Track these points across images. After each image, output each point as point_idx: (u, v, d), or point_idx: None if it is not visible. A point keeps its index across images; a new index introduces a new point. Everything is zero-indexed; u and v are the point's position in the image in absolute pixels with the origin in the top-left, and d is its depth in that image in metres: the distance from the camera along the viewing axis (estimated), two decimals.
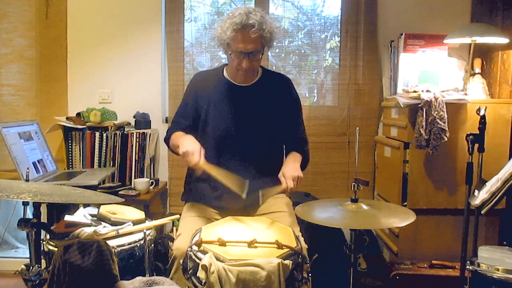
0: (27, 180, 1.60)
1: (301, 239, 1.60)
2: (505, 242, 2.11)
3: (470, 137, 1.89)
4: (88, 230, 1.60)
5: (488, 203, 1.63)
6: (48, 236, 1.63)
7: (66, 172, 2.53)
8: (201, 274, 1.30)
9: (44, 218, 2.34)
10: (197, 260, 1.36)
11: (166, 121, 2.90)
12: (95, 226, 1.67)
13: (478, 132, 1.89)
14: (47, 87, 2.85)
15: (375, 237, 2.78)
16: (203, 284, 1.29)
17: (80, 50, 2.89)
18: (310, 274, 1.44)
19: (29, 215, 1.51)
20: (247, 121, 1.87)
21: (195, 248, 1.41)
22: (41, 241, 1.62)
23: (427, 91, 2.28)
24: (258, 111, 1.88)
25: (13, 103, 2.83)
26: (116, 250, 1.57)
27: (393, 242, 2.45)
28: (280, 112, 1.91)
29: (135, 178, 2.68)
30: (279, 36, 2.89)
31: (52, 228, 1.67)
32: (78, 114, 2.72)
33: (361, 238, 2.64)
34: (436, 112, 2.19)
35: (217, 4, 2.99)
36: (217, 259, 1.32)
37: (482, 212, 1.66)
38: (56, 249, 1.53)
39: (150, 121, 2.82)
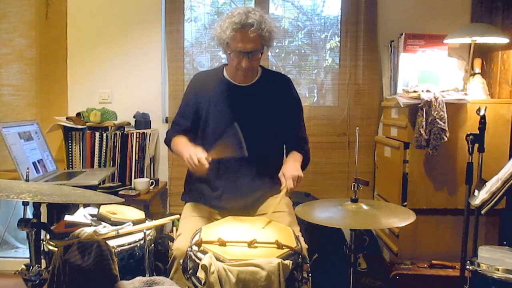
0: (27, 180, 1.60)
1: (301, 239, 1.60)
2: (505, 242, 2.11)
3: (470, 137, 1.89)
4: (88, 230, 1.60)
5: (488, 203, 1.63)
6: (48, 236, 1.63)
7: (66, 172, 2.53)
8: (201, 274, 1.30)
9: (44, 218, 2.34)
10: (197, 260, 1.36)
11: (166, 121, 2.90)
12: (95, 226, 1.67)
13: (478, 132, 1.89)
14: (47, 87, 2.84)
15: (375, 237, 2.78)
16: (203, 284, 1.29)
17: (80, 50, 2.89)
18: (310, 274, 1.44)
19: (29, 215, 1.51)
20: (247, 121, 1.86)
21: (195, 248, 1.41)
22: (41, 241, 1.62)
23: (427, 91, 2.28)
24: (258, 111, 1.88)
25: (13, 103, 2.82)
26: (116, 250, 1.57)
27: (393, 242, 2.45)
28: (280, 111, 1.91)
29: (135, 178, 2.68)
30: (279, 36, 2.91)
31: (52, 228, 1.67)
32: (78, 114, 2.72)
33: (361, 238, 2.64)
34: (436, 112, 2.19)
35: (217, 4, 2.99)
36: (217, 259, 1.32)
37: (482, 212, 1.66)
38: (56, 249, 1.53)
39: (150, 121, 2.83)
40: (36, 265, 1.30)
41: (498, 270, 1.50)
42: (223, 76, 1.93)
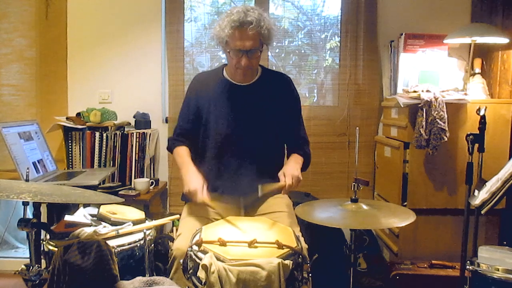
0: (27, 180, 1.60)
1: (301, 239, 1.60)
2: (505, 242, 2.11)
3: (470, 137, 1.89)
4: (88, 230, 1.60)
5: (488, 203, 1.63)
6: (48, 236, 1.63)
7: (66, 172, 2.53)
8: (201, 274, 1.29)
9: (44, 218, 2.34)
10: (197, 260, 1.36)
11: (166, 121, 2.90)
12: (95, 226, 1.67)
13: (478, 132, 1.89)
14: (47, 87, 2.84)
15: (375, 237, 2.78)
16: (203, 284, 1.29)
17: (80, 50, 2.89)
18: (310, 274, 1.44)
19: (29, 215, 1.51)
20: (247, 120, 1.87)
21: (195, 248, 1.41)
22: (41, 241, 1.62)
23: (427, 91, 2.28)
24: (258, 110, 1.88)
25: (13, 103, 2.82)
26: (116, 250, 1.57)
27: (393, 242, 2.45)
28: (280, 111, 1.91)
29: (135, 178, 2.67)
30: (279, 36, 2.92)
31: (52, 228, 1.67)
32: (78, 114, 2.72)
33: (361, 238, 2.64)
34: (436, 112, 2.19)
35: (217, 4, 2.99)
36: (218, 259, 1.32)
37: (482, 212, 1.66)
38: (56, 249, 1.53)
39: (150, 121, 2.82)
40: (36, 265, 1.30)
41: (498, 270, 1.50)
42: (223, 76, 1.93)
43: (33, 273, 1.28)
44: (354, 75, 2.89)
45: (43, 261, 1.55)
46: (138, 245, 1.67)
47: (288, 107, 1.93)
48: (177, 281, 1.57)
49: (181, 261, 1.46)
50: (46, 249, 1.60)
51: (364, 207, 1.60)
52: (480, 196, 1.68)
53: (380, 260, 2.67)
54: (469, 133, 1.90)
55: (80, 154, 2.69)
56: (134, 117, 2.80)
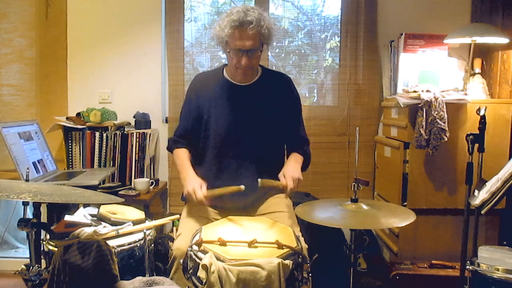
0: (27, 180, 1.60)
1: (301, 239, 1.60)
2: (505, 242, 2.11)
3: (470, 137, 1.89)
4: (88, 230, 1.60)
5: (488, 203, 1.63)
6: (48, 236, 1.63)
7: (66, 172, 2.53)
8: (201, 273, 1.30)
9: (44, 218, 2.34)
10: (198, 260, 1.36)
11: (166, 121, 2.90)
12: (95, 226, 1.67)
13: (478, 132, 1.89)
14: (47, 87, 2.84)
15: (375, 237, 2.78)
16: (203, 284, 1.29)
17: (80, 50, 2.89)
18: (310, 274, 1.44)
19: (29, 215, 1.51)
20: (247, 120, 1.87)
21: (195, 248, 1.41)
22: (41, 241, 1.62)
23: (427, 91, 2.28)
24: (258, 110, 1.88)
25: (13, 103, 2.82)
26: (116, 250, 1.57)
27: (393, 242, 2.45)
28: (280, 111, 1.91)
29: (135, 178, 2.67)
30: (279, 36, 2.92)
31: (52, 228, 1.67)
32: (78, 114, 2.72)
33: (361, 238, 2.64)
34: (436, 112, 2.19)
35: (217, 4, 2.99)
36: (218, 259, 1.32)
37: (482, 212, 1.66)
38: (56, 249, 1.53)
39: (150, 121, 2.82)
40: (36, 265, 1.30)
41: (498, 270, 1.50)
42: (223, 76, 1.93)
43: (33, 273, 1.28)
44: (354, 75, 2.89)
45: (43, 261, 1.55)
46: (138, 245, 1.67)
47: (288, 107, 1.93)
48: (177, 281, 1.57)
49: (181, 261, 1.46)
50: (46, 249, 1.60)
51: (364, 207, 1.60)
52: (480, 196, 1.68)
53: (380, 260, 2.67)
54: (469, 133, 1.90)
55: (80, 154, 2.69)
56: (134, 117, 2.80)
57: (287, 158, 1.93)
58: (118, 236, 1.67)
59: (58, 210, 2.35)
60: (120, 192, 2.48)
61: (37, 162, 2.33)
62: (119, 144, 2.68)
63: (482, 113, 1.89)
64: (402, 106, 2.29)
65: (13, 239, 3.10)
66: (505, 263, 1.51)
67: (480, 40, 2.36)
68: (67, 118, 2.69)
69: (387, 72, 2.82)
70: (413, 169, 2.32)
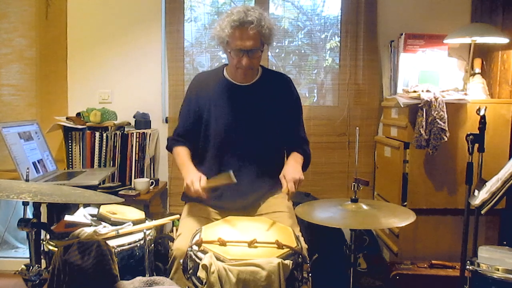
0: (27, 180, 1.60)
1: (301, 239, 1.60)
2: (505, 242, 2.11)
3: (470, 137, 1.89)
4: (88, 230, 1.60)
5: (488, 203, 1.63)
6: (48, 236, 1.63)
7: (66, 172, 2.53)
8: (201, 274, 1.30)
9: (44, 218, 2.34)
10: (197, 260, 1.36)
11: (166, 121, 2.90)
12: (95, 226, 1.67)
13: (478, 132, 1.89)
14: (47, 87, 2.84)
15: (375, 237, 2.78)
16: (203, 284, 1.29)
17: (80, 50, 2.89)
18: (310, 274, 1.44)
19: (29, 215, 1.51)
20: (247, 120, 1.87)
21: (195, 248, 1.41)
22: (41, 241, 1.62)
23: (427, 91, 2.28)
24: (258, 110, 1.88)
25: (13, 103, 2.82)
26: (116, 250, 1.57)
27: (393, 242, 2.45)
28: (280, 111, 1.90)
29: (135, 178, 2.67)
30: (279, 36, 2.92)
31: (52, 228, 1.67)
32: (78, 114, 2.72)
33: (361, 238, 2.64)
34: (436, 112, 2.19)
35: (217, 4, 2.99)
36: (218, 259, 1.32)
37: (482, 212, 1.66)
38: (56, 249, 1.53)
39: (150, 121, 2.83)
40: (36, 265, 1.30)
41: (498, 270, 1.50)
42: (224, 76, 1.93)
43: (33, 273, 1.28)
44: (354, 75, 2.89)
45: (43, 261, 1.55)
46: (138, 245, 1.67)
47: (289, 107, 1.93)
48: (177, 281, 1.57)
49: (181, 261, 1.46)
50: (46, 249, 1.60)
51: (364, 207, 1.60)
52: (480, 196, 1.68)
53: (380, 260, 2.67)
54: (469, 133, 1.90)
55: (80, 154, 2.69)
56: (134, 117, 2.80)
57: (287, 158, 1.93)
58: (118, 236, 1.67)
59: (58, 210, 2.34)
60: (120, 192, 2.48)
61: (37, 162, 2.33)
62: (119, 144, 2.68)
63: (482, 113, 1.89)
64: (402, 106, 2.29)
65: (13, 239, 3.10)
66: (505, 263, 1.51)
67: (480, 40, 2.36)
68: (67, 118, 2.69)
69: (387, 72, 2.82)
70: (413, 169, 2.32)
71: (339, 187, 2.92)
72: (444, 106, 2.21)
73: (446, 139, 2.20)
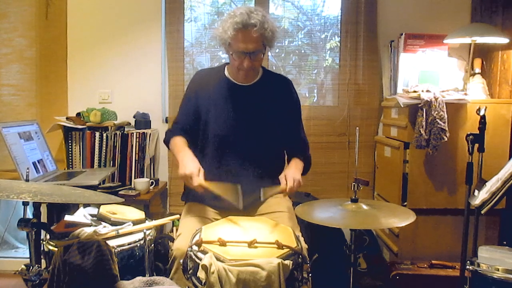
0: (27, 180, 1.60)
1: (301, 239, 1.60)
2: (505, 242, 2.11)
3: (470, 137, 1.89)
4: (88, 230, 1.60)
5: (488, 203, 1.63)
6: (48, 236, 1.63)
7: (66, 172, 2.53)
8: (201, 274, 1.29)
9: (44, 218, 2.34)
10: (197, 260, 1.36)
11: (166, 121, 2.90)
12: (95, 226, 1.67)
13: (478, 132, 1.89)
14: (47, 87, 2.85)
15: (375, 237, 2.78)
16: (203, 284, 1.29)
17: (80, 50, 2.89)
18: (310, 274, 1.44)
19: (29, 215, 1.51)
20: (247, 120, 1.87)
21: (195, 248, 1.41)
22: (41, 241, 1.62)
23: (427, 91, 2.28)
24: (258, 111, 1.88)
25: (13, 103, 2.83)
26: (116, 250, 1.57)
27: (393, 242, 2.45)
28: (280, 112, 1.91)
29: (135, 178, 2.67)
30: (279, 36, 2.91)
31: (52, 228, 1.67)
32: (78, 114, 2.72)
33: (361, 238, 2.64)
34: (436, 112, 2.19)
35: (217, 4, 2.99)
36: (217, 259, 1.32)
37: (482, 212, 1.66)
38: (56, 249, 1.53)
39: (150, 121, 2.83)
40: (36, 265, 1.30)
41: (498, 270, 1.49)
42: (225, 75, 1.93)
43: (33, 273, 1.28)
44: (354, 75, 2.89)
45: (43, 261, 1.55)
46: (138, 245, 1.67)
47: (288, 109, 1.93)
48: (177, 281, 1.57)
49: (181, 261, 1.46)
50: (46, 249, 1.60)
51: (364, 207, 1.60)
52: (480, 196, 1.68)
53: (380, 260, 2.67)
54: (469, 133, 1.90)
55: (80, 154, 2.69)
56: (134, 117, 2.80)
57: (287, 163, 1.93)
58: (118, 236, 1.67)
59: (58, 210, 2.35)
60: (120, 192, 2.48)
61: (37, 162, 2.33)
62: (119, 144, 2.68)
63: (482, 113, 1.89)
64: (402, 106, 2.29)
65: (13, 239, 3.10)
66: (505, 263, 1.51)
67: (480, 40, 2.36)
68: (67, 118, 2.69)
69: (387, 72, 2.82)
70: (413, 169, 2.32)
71: (339, 187, 2.92)
72: (444, 106, 2.21)
73: (446, 139, 2.20)
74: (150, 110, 2.86)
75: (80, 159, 2.69)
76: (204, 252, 1.37)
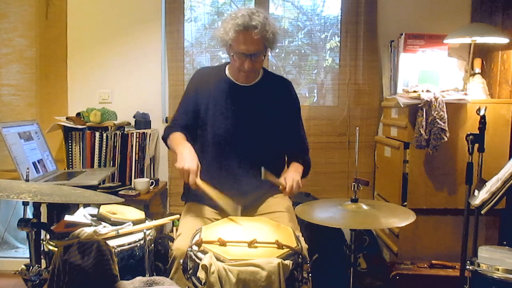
0: (27, 180, 1.60)
1: (301, 239, 1.60)
2: (505, 242, 2.11)
3: (470, 137, 1.89)
4: (88, 230, 1.60)
5: (488, 203, 1.63)
6: (48, 236, 1.63)
7: (66, 172, 2.53)
8: (201, 274, 1.29)
9: (44, 218, 2.34)
10: (197, 260, 1.36)
11: (166, 121, 2.90)
12: (95, 226, 1.67)
13: (478, 132, 1.89)
14: (47, 87, 2.85)
15: (375, 237, 2.78)
16: (203, 284, 1.29)
17: (80, 50, 2.89)
18: (310, 274, 1.44)
19: (29, 215, 1.51)
20: (247, 120, 1.87)
21: (195, 248, 1.41)
22: (41, 241, 1.62)
23: (427, 91, 2.28)
24: (258, 111, 1.88)
25: (13, 103, 2.83)
26: (116, 250, 1.57)
27: (393, 242, 2.45)
28: (280, 113, 1.91)
29: (135, 178, 2.67)
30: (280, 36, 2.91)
31: (52, 228, 1.67)
32: (78, 114, 2.72)
33: (361, 238, 2.64)
34: (436, 112, 2.19)
35: (217, 4, 2.99)
36: (217, 259, 1.32)
37: (482, 212, 1.66)
38: (56, 249, 1.53)
39: (150, 121, 2.83)
40: (36, 265, 1.30)
41: (498, 270, 1.50)
42: (225, 75, 1.93)
43: (33, 273, 1.28)
44: (354, 75, 2.89)
45: (43, 261, 1.55)
46: (138, 245, 1.67)
47: (288, 110, 1.94)
48: (177, 281, 1.57)
49: (181, 261, 1.46)
50: (46, 249, 1.60)
51: (364, 207, 1.60)
52: (480, 196, 1.68)
53: (380, 260, 2.67)
54: (469, 133, 1.90)
55: (80, 154, 2.69)
56: (134, 117, 2.80)
57: (287, 166, 1.93)
58: (118, 236, 1.67)
59: (58, 210, 2.35)
60: (120, 192, 2.48)
61: (37, 162, 2.33)
62: (119, 144, 2.68)
63: (482, 113, 1.89)
64: (402, 106, 2.29)
65: (13, 239, 3.10)
66: (505, 263, 1.51)
67: (480, 40, 2.36)
68: (67, 118, 2.69)
69: (387, 72, 2.82)
70: (413, 169, 2.32)
71: (339, 187, 2.92)
72: (444, 106, 2.21)
73: (446, 139, 2.20)
74: (150, 110, 2.86)
75: (80, 159, 2.69)
76: (204, 252, 1.37)
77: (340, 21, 2.92)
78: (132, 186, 2.60)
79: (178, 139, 1.82)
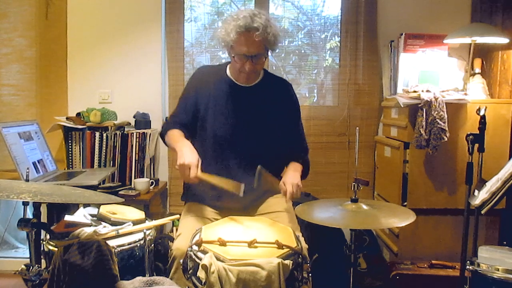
0: (27, 180, 1.60)
1: (301, 239, 1.60)
2: (505, 242, 2.11)
3: (470, 137, 1.89)
4: (88, 230, 1.60)
5: (488, 203, 1.63)
6: (48, 236, 1.63)
7: (66, 172, 2.53)
8: (201, 274, 1.30)
9: (44, 218, 2.34)
10: (197, 260, 1.36)
11: (166, 121, 2.90)
12: (95, 226, 1.67)
13: (478, 132, 1.89)
14: (47, 87, 2.85)
15: (375, 237, 2.78)
16: (203, 284, 1.29)
17: (80, 50, 2.89)
18: (310, 274, 1.44)
19: (29, 215, 1.51)
20: (247, 121, 1.87)
21: (195, 248, 1.41)
22: (41, 241, 1.62)
23: (427, 91, 2.28)
24: (258, 112, 1.88)
25: (13, 103, 2.83)
26: (116, 250, 1.57)
27: (393, 242, 2.45)
28: (280, 114, 1.91)
29: (135, 178, 2.67)
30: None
31: (52, 228, 1.67)
32: (78, 114, 2.72)
33: (361, 238, 2.64)
34: (436, 112, 2.19)
35: (217, 4, 2.99)
36: (217, 259, 1.32)
37: (482, 212, 1.66)
38: (56, 249, 1.53)
39: (150, 121, 2.83)
40: (36, 265, 1.30)
41: (498, 270, 1.50)
42: (226, 75, 1.93)
43: (33, 273, 1.28)
44: (354, 75, 2.89)
45: (43, 261, 1.55)
46: (138, 245, 1.67)
47: (288, 111, 1.94)
48: (177, 281, 1.57)
49: (181, 261, 1.46)
50: (46, 249, 1.60)
51: (364, 207, 1.60)
52: (480, 196, 1.68)
53: (380, 260, 2.67)
54: (469, 133, 1.90)
55: (80, 154, 2.69)
56: (134, 117, 2.80)
57: (286, 167, 1.93)
58: (118, 236, 1.67)
59: (58, 210, 2.35)
60: (120, 192, 2.48)
61: (37, 162, 2.33)
62: (119, 144, 2.68)
63: (482, 113, 1.89)
64: (402, 106, 2.29)
65: (13, 239, 3.10)
66: (505, 263, 1.51)
67: (480, 40, 2.36)
68: (67, 118, 2.69)
69: (387, 72, 2.82)
70: (413, 169, 2.32)
71: (339, 187, 2.92)
72: (444, 106, 2.21)
73: (446, 139, 2.20)
74: (150, 110, 2.86)
75: (80, 159, 2.69)
76: (204, 252, 1.37)
77: (340, 21, 2.92)
78: (132, 186, 2.60)
79: (177, 136, 1.81)
